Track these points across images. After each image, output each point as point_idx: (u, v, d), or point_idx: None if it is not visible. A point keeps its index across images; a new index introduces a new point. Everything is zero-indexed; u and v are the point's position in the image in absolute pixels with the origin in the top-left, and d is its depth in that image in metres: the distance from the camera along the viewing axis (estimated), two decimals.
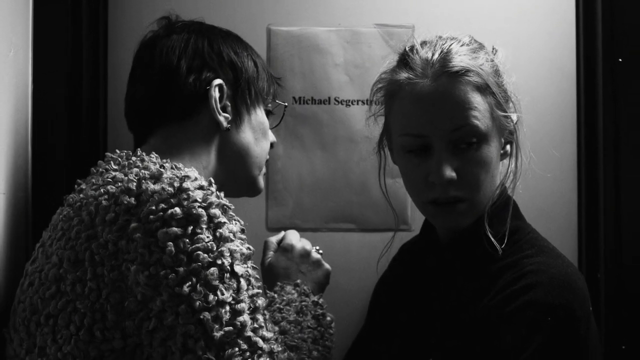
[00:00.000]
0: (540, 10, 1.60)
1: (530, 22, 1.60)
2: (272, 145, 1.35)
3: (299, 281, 1.33)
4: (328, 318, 1.30)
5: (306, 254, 1.39)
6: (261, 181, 1.33)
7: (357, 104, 1.60)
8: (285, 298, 1.28)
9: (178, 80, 1.20)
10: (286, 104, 1.43)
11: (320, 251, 1.44)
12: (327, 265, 1.41)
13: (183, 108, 1.21)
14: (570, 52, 1.60)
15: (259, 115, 1.29)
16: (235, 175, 1.27)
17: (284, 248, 1.39)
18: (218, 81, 1.21)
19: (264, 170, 1.33)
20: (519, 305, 1.10)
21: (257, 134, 1.28)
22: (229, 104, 1.24)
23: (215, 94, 1.21)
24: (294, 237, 1.41)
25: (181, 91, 1.20)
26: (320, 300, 1.32)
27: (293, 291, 1.30)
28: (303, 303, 1.28)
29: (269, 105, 1.33)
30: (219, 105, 1.21)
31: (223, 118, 1.22)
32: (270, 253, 1.40)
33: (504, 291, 1.13)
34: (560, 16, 1.60)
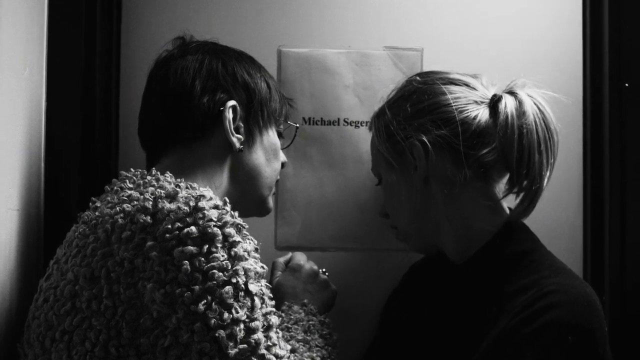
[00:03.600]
0: (547, 36, 1.61)
1: (537, 48, 1.61)
2: (283, 165, 1.36)
3: (305, 301, 1.34)
4: (334, 337, 1.30)
5: (314, 274, 1.40)
6: (270, 201, 1.34)
7: (366, 125, 1.61)
8: (292, 317, 1.29)
9: (192, 101, 1.21)
10: (298, 125, 1.45)
11: (327, 273, 1.45)
12: (334, 287, 1.42)
13: (196, 128, 1.22)
14: (577, 77, 1.60)
15: (271, 136, 1.30)
16: (246, 195, 1.28)
17: (292, 268, 1.40)
18: (232, 102, 1.22)
19: (273, 189, 1.34)
20: (541, 324, 1.11)
21: (269, 155, 1.29)
22: (242, 125, 1.25)
23: (229, 115, 1.22)
24: (302, 258, 1.43)
25: (195, 112, 1.21)
26: (327, 320, 1.33)
27: (300, 310, 1.31)
28: (310, 322, 1.29)
29: (281, 126, 1.35)
30: (232, 126, 1.22)
31: (236, 139, 1.23)
32: (279, 273, 1.41)
33: (523, 312, 1.14)
34: (567, 41, 1.61)
